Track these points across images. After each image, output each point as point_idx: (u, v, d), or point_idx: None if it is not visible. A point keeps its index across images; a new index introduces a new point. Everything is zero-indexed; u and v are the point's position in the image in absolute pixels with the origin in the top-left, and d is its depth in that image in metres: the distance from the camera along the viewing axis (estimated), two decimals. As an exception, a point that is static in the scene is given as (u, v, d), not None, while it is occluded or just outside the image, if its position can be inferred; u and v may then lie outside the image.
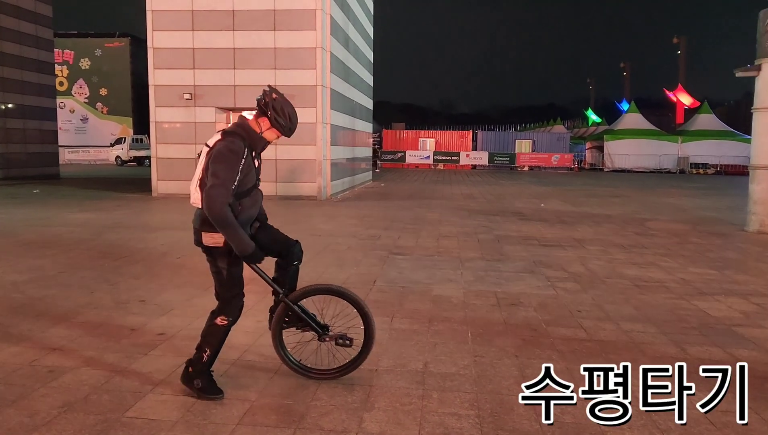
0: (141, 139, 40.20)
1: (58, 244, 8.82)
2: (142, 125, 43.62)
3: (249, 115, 3.61)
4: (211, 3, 16.64)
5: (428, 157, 42.35)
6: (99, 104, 49.01)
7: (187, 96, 16.89)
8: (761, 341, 4.76)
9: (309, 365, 3.88)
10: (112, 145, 41.71)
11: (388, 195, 19.14)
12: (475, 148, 43.58)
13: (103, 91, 48.75)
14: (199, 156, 3.54)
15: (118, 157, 40.52)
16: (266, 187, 18.68)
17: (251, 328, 4.87)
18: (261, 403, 3.51)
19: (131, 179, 24.96)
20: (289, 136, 3.60)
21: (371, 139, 28.36)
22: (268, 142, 3.62)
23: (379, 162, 37.65)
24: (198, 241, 3.52)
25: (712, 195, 21.26)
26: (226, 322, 3.56)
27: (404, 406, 3.48)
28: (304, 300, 3.82)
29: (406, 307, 5.65)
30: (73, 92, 48.78)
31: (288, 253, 3.75)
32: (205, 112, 16.98)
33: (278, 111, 3.48)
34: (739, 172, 36.52)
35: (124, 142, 40.82)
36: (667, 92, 51.49)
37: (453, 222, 12.23)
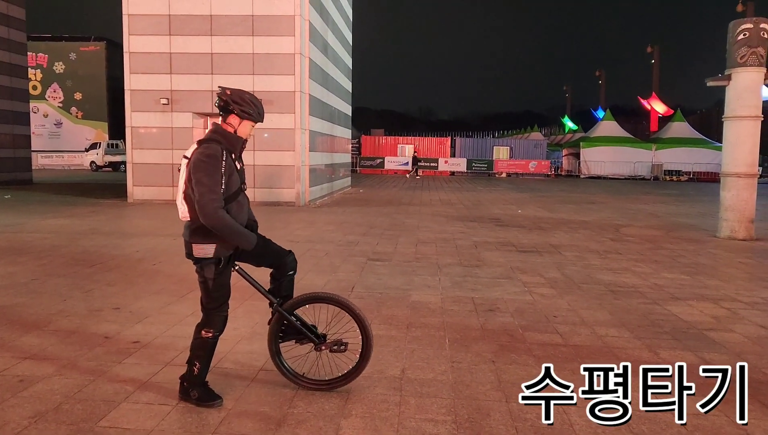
0: (116, 145, 39.68)
1: (30, 251, 8.66)
2: (117, 130, 43.05)
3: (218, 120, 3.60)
4: (188, 8, 16.53)
5: (407, 163, 42.48)
6: (74, 109, 48.25)
7: (163, 101, 16.73)
8: (731, 345, 4.86)
9: (308, 375, 3.83)
10: (86, 150, 41.08)
11: (366, 201, 19.15)
12: (453, 155, 43.83)
13: (78, 96, 48.03)
14: (179, 170, 3.52)
15: (92, 162, 39.94)
16: (244, 193, 18.41)
17: (228, 335, 4.81)
18: (237, 410, 3.48)
19: (106, 185, 24.61)
20: (261, 120, 3.61)
21: (350, 145, 28.36)
22: (245, 140, 3.61)
23: (417, 168, 37.79)
24: (189, 254, 3.50)
25: (685, 201, 21.66)
26: (210, 335, 3.55)
27: (381, 413, 3.48)
28: (301, 309, 3.79)
29: (383, 313, 5.65)
30: (46, 96, 47.98)
31: (281, 263, 3.73)
32: (182, 117, 16.83)
33: (239, 101, 3.48)
34: (711, 179, 37.29)
35: (99, 147, 40.24)
36: (642, 100, 52.37)
37: (431, 228, 12.28)
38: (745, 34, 11.23)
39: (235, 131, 3.52)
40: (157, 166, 16.95)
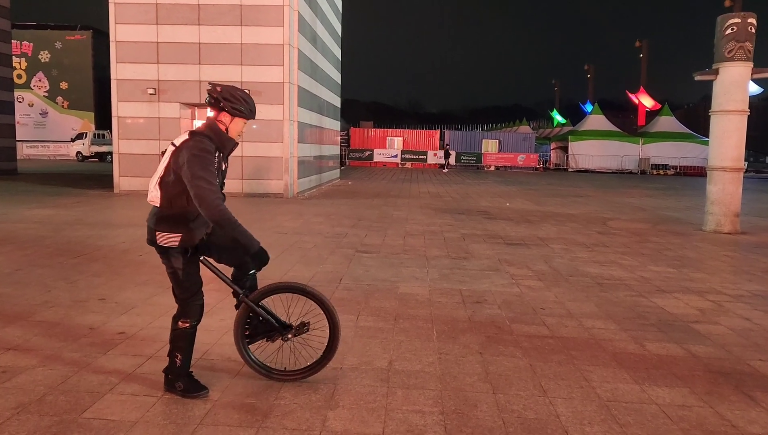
0: (103, 135, 39.27)
1: (14, 241, 8.55)
2: (104, 120, 42.62)
3: (209, 112, 3.55)
4: (176, -4, 16.34)
5: (396, 155, 42.45)
6: (59, 98, 47.64)
7: (150, 91, 16.56)
8: (716, 337, 4.90)
9: (273, 366, 3.82)
10: (72, 141, 40.64)
11: (355, 193, 19.10)
12: (442, 148, 43.85)
13: (64, 85, 47.43)
14: (163, 153, 3.46)
15: (79, 152, 39.51)
16: (232, 185, 18.45)
17: (214, 326, 4.80)
18: (223, 402, 3.46)
19: (92, 175, 24.36)
20: (253, 117, 3.57)
21: (339, 137, 28.27)
22: (236, 143, 3.57)
23: (449, 162, 37.78)
24: (152, 241, 3.44)
25: (672, 195, 21.81)
26: (188, 325, 3.51)
27: (368, 404, 3.48)
28: (267, 299, 3.76)
29: (371, 304, 5.64)
30: (32, 85, 47.33)
31: (242, 262, 3.61)
32: (169, 107, 16.67)
33: (230, 98, 3.44)
34: (698, 173, 37.62)
35: (86, 137, 39.80)
36: (630, 94, 52.60)
37: (419, 220, 12.28)
38: (732, 29, 11.29)
39: (227, 129, 3.48)
40: (144, 156, 16.79)
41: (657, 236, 10.80)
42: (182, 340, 3.52)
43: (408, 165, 42.02)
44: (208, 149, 3.33)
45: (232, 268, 3.71)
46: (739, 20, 11.31)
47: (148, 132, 16.77)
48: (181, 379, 3.51)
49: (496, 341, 4.66)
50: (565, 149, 44.08)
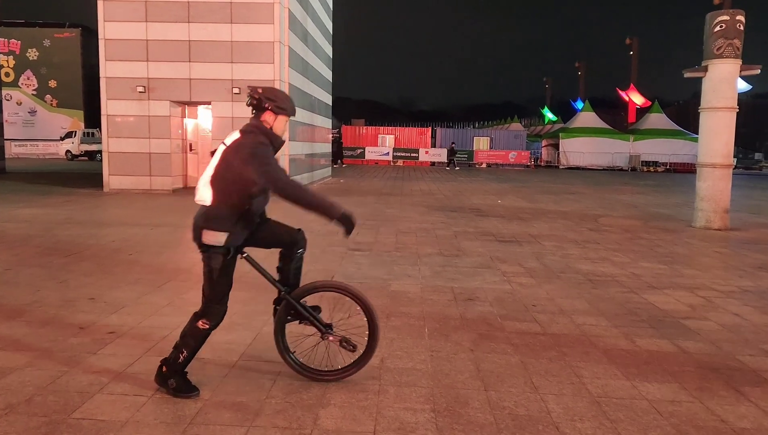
0: (93, 133, 38.98)
1: (3, 241, 8.47)
2: (93, 119, 42.30)
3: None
4: (165, -6, 16.24)
5: (388, 153, 42.43)
6: (48, 96, 47.23)
7: (140, 89, 16.45)
8: (706, 333, 4.93)
9: (313, 367, 3.80)
10: (62, 139, 40.32)
11: (347, 191, 19.08)
12: (434, 145, 43.86)
13: (53, 83, 47.02)
14: (212, 153, 3.50)
15: (68, 151, 39.22)
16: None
17: (205, 325, 4.77)
18: (214, 401, 3.44)
19: (82, 174, 24.19)
20: (294, 114, 3.65)
21: (330, 135, 28.22)
22: (283, 141, 3.65)
23: (455, 159, 37.83)
24: (197, 238, 3.46)
25: (662, 192, 21.94)
26: (207, 326, 3.51)
27: (360, 402, 3.47)
28: (308, 297, 3.78)
29: (363, 302, 5.63)
30: (20, 84, 46.90)
31: (292, 241, 3.73)
32: (159, 105, 16.58)
33: (273, 98, 3.52)
34: (688, 169, 37.84)
35: (75, 135, 39.51)
36: (620, 92, 52.79)
37: (411, 218, 12.28)
38: (721, 26, 11.35)
39: (271, 128, 3.52)
40: (134, 155, 16.70)
41: (648, 233, 10.86)
42: (194, 339, 3.52)
43: (400, 163, 42.02)
44: (266, 143, 3.42)
45: (279, 257, 3.80)
46: (728, 17, 11.38)
47: (137, 130, 16.67)
48: (176, 377, 3.50)
49: (487, 338, 4.66)
50: (556, 146, 44.21)
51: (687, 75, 12.18)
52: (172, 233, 9.62)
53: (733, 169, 12.08)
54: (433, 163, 42.19)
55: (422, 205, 14.90)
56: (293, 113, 3.62)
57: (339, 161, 37.43)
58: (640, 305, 5.78)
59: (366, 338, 3.75)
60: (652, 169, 41.48)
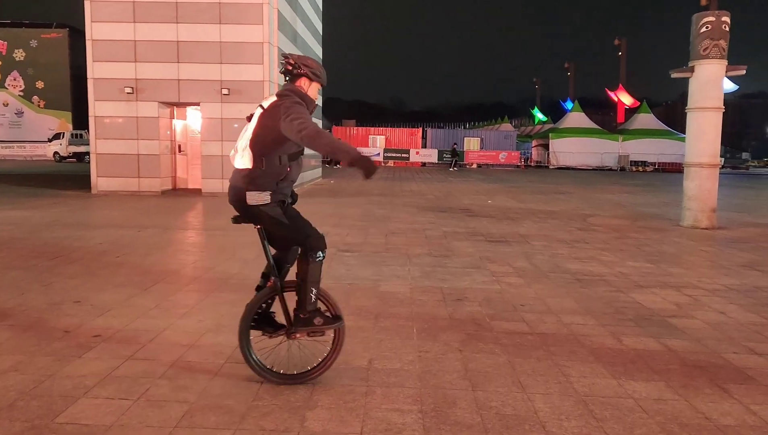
0: (81, 135, 38.75)
1: (-12, 244, 8.39)
2: (82, 120, 42.01)
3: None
4: (153, -6, 16.15)
5: (378, 154, 42.44)
6: (35, 98, 46.89)
7: (128, 90, 16.35)
8: (692, 331, 4.96)
9: (272, 368, 3.75)
10: (50, 141, 40.06)
11: (337, 192, 19.06)
12: (424, 146, 43.93)
13: (40, 84, 46.68)
14: (249, 118, 3.59)
15: (56, 152, 38.97)
16: (212, 184, 18.22)
17: (191, 328, 4.75)
18: (200, 404, 3.42)
19: (70, 176, 24.02)
20: (326, 84, 3.78)
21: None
22: (317, 105, 3.72)
23: (457, 160, 37.77)
24: (239, 200, 3.52)
25: (650, 191, 22.08)
26: (320, 256, 3.57)
27: (347, 404, 3.46)
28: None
29: (352, 303, 5.62)
30: (6, 84, 46.53)
31: (284, 252, 3.75)
32: (147, 106, 16.48)
33: (308, 64, 3.64)
34: (676, 169, 38.12)
35: (63, 137, 39.26)
36: (609, 92, 53.12)
37: (402, 218, 12.28)
38: (707, 27, 11.44)
39: (306, 93, 3.63)
40: (122, 156, 16.60)
41: (636, 232, 10.92)
42: (315, 274, 3.57)
43: (390, 163, 42.04)
44: (300, 102, 3.51)
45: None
46: (714, 19, 11.47)
47: (126, 131, 16.57)
48: (318, 314, 3.61)
49: (476, 338, 4.67)
50: (546, 147, 44.42)
51: (674, 75, 12.26)
52: (160, 235, 9.57)
53: (721, 168, 12.18)
54: (424, 164, 42.24)
55: (412, 206, 14.91)
56: (325, 83, 3.73)
57: (332, 161, 37.38)
58: (627, 304, 5.80)
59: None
60: (640, 168, 41.75)
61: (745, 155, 72.82)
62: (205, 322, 4.91)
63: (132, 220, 11.20)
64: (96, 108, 16.60)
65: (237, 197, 3.54)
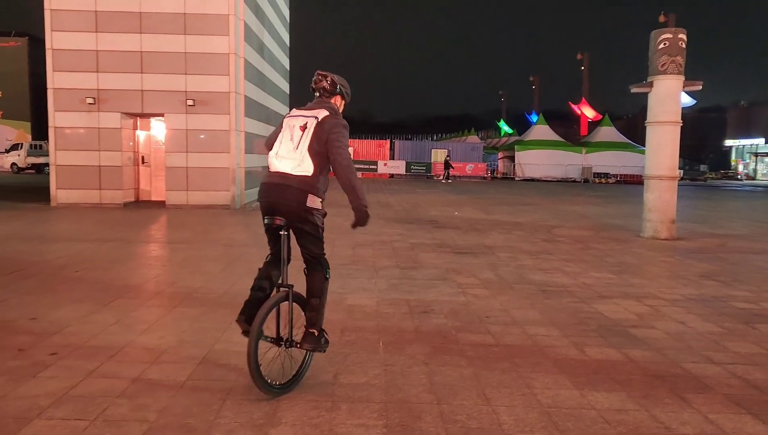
0: (40, 146, 37.77)
1: (-60, 259, 8.08)
2: (41, 130, 40.99)
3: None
4: (116, 4, 15.89)
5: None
6: (-7, 107, 45.63)
7: (89, 100, 16.02)
8: (652, 341, 5.06)
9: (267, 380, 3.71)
10: (7, 151, 38.91)
11: (304, 204, 18.94)
12: (392, 157, 44.09)
13: (-2, 93, 45.45)
14: (303, 127, 3.68)
15: (14, 163, 37.88)
16: (176, 196, 17.93)
17: (154, 344, 4.65)
18: (161, 423, 3.34)
19: (28, 188, 23.37)
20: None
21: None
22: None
23: (448, 172, 37.69)
24: (299, 202, 3.62)
25: (613, 203, 22.56)
26: (328, 277, 3.86)
27: (312, 420, 3.42)
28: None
29: (318, 317, 5.57)
30: (-38, 94, 45.16)
31: (276, 276, 3.89)
32: (109, 117, 16.16)
33: (344, 85, 3.96)
34: (637, 181, 39.01)
35: (21, 148, 38.20)
36: (572, 105, 54.27)
37: (369, 230, 12.26)
38: (665, 44, 11.80)
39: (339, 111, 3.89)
40: (83, 168, 16.21)
41: (599, 243, 11.13)
42: (324, 291, 3.80)
43: (358, 175, 42.02)
44: (347, 126, 3.77)
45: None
46: (671, 35, 11.84)
47: (87, 143, 16.21)
48: (326, 333, 3.86)
49: (441, 351, 4.67)
50: (512, 159, 45.04)
51: (633, 90, 12.59)
52: (122, 248, 9.36)
53: (679, 180, 12.51)
54: (392, 175, 42.37)
55: (380, 218, 14.91)
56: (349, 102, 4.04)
57: None
58: (590, 315, 5.90)
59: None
60: (603, 180, 42.65)
61: (703, 167, 75.07)
62: (167, 338, 4.80)
63: (93, 234, 10.94)
64: (56, 118, 16.20)
65: (294, 199, 3.63)
